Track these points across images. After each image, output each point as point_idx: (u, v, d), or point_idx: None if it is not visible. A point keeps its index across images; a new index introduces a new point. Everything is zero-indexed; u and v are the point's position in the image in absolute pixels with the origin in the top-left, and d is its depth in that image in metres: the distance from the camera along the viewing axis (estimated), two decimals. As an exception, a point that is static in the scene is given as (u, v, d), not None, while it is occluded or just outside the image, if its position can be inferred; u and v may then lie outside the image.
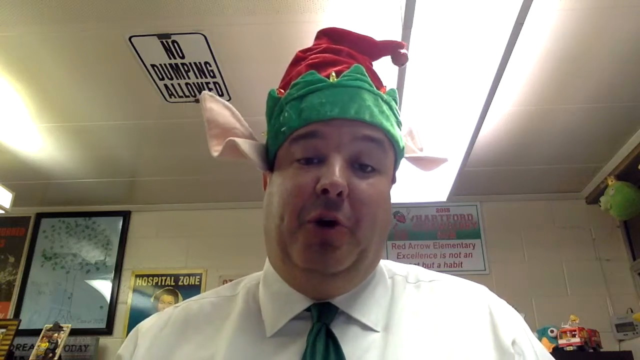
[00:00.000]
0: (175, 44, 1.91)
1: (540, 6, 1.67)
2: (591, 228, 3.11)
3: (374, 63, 0.76)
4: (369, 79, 0.68)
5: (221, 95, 2.19)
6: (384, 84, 0.73)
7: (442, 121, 2.00)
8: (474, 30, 1.49)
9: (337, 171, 0.60)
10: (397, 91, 0.73)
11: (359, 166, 0.64)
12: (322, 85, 0.66)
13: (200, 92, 2.16)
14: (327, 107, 0.64)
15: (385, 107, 0.68)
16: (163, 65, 2.02)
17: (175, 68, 2.03)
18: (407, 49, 0.76)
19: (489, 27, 1.48)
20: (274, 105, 0.70)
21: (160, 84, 2.13)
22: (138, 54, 1.96)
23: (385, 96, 0.69)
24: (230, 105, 0.73)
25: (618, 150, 2.68)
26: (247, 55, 1.96)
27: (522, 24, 1.44)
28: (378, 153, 0.65)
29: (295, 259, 0.63)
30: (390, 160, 0.68)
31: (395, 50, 0.76)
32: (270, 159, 0.70)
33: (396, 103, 0.72)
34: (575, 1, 1.69)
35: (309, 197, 0.61)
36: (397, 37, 1.47)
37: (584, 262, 3.02)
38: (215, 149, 0.69)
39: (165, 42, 1.90)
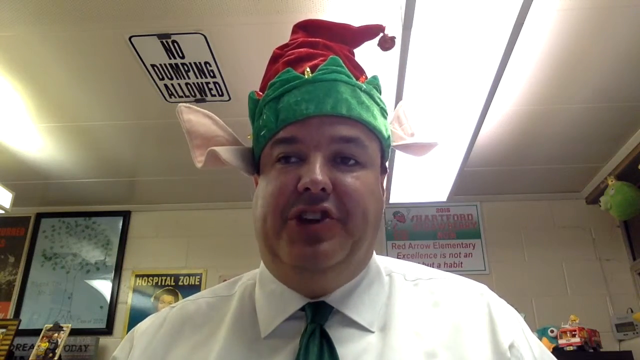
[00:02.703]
0: (175, 44, 1.90)
1: (540, 6, 1.67)
2: (591, 228, 3.10)
3: (362, 52, 0.74)
4: (346, 70, 0.66)
5: (221, 95, 2.19)
6: (365, 72, 0.71)
7: (442, 121, 2.00)
8: (474, 31, 1.49)
9: (317, 169, 0.59)
10: (378, 78, 0.71)
11: (341, 160, 0.63)
12: (297, 83, 0.65)
13: (200, 92, 2.16)
14: (302, 105, 0.63)
15: (364, 98, 0.66)
16: (163, 65, 2.02)
17: (175, 68, 2.03)
18: (387, 31, 0.74)
19: (489, 27, 1.48)
20: (255, 108, 0.70)
21: (160, 84, 2.13)
22: (138, 54, 1.96)
23: (364, 86, 0.67)
24: (211, 114, 0.72)
25: (618, 150, 2.67)
26: (247, 55, 1.96)
27: (522, 24, 1.44)
28: (358, 150, 0.64)
29: (283, 257, 0.62)
30: (374, 152, 0.67)
31: (376, 34, 0.73)
32: (256, 162, 0.70)
33: (379, 91, 0.70)
34: (575, 1, 1.68)
35: (291, 196, 0.61)
36: (397, 37, 1.46)
37: (584, 262, 3.02)
38: (199, 160, 0.69)
39: (165, 42, 1.89)
